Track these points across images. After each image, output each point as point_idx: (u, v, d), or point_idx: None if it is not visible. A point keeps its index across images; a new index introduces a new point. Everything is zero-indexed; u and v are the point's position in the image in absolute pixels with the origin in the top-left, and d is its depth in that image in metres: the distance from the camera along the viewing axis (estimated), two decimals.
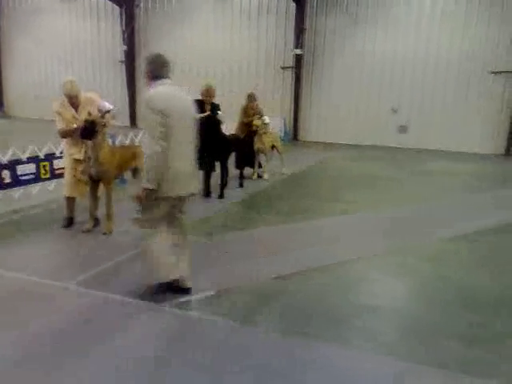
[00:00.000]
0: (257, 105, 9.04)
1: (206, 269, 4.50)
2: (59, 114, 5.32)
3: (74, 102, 5.33)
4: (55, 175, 7.19)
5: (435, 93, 15.63)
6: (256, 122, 8.76)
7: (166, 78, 3.51)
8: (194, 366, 2.83)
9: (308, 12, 16.75)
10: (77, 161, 5.46)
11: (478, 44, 14.81)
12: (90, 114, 5.15)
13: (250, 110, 8.93)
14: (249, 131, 8.90)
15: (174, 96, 3.49)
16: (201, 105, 7.39)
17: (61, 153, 7.00)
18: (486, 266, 4.78)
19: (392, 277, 4.45)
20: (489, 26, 14.61)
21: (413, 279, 4.38)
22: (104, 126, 5.14)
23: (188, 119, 3.56)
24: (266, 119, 8.98)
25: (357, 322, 3.48)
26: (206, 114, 7.16)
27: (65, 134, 5.40)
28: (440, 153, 14.81)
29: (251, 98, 9.00)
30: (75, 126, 5.23)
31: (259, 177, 9.21)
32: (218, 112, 7.35)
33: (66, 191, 5.64)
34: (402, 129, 16.25)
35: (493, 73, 14.69)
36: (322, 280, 4.25)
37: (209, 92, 7.33)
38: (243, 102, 9.17)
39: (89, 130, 4.98)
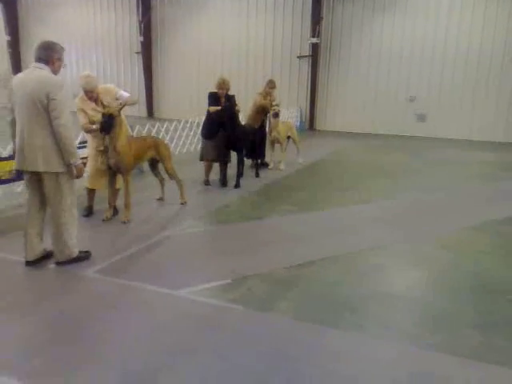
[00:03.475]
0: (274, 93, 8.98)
1: (222, 257, 4.56)
2: (82, 110, 5.37)
3: (91, 95, 5.36)
4: None
5: (454, 81, 15.35)
6: (275, 107, 8.75)
7: (35, 61, 3.93)
8: (210, 351, 2.90)
9: (325, 0, 16.55)
10: (100, 152, 5.56)
11: (498, 31, 14.46)
12: (104, 105, 5.15)
13: (268, 96, 8.81)
14: (262, 122, 8.87)
15: (22, 78, 3.89)
16: (216, 98, 7.43)
17: (80, 143, 7.11)
18: (501, 254, 4.76)
19: (407, 265, 4.46)
20: (510, 13, 14.25)
21: (428, 267, 4.37)
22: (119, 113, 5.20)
23: (25, 100, 3.80)
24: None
25: (373, 310, 3.50)
26: (218, 108, 7.21)
27: (88, 131, 5.49)
28: (458, 141, 14.58)
29: (272, 83, 8.90)
30: (94, 127, 5.29)
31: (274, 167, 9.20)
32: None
33: (88, 183, 5.75)
34: (421, 117, 16.02)
35: None
36: (338, 268, 4.28)
37: (222, 85, 7.34)
38: (258, 89, 9.09)
39: (108, 124, 5.05)
